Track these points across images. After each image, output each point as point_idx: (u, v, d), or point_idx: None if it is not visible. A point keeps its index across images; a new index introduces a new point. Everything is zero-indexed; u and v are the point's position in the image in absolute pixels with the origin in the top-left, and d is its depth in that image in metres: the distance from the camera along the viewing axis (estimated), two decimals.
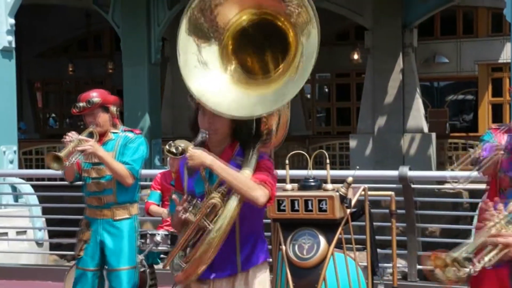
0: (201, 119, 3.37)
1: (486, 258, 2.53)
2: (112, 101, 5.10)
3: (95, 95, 5.01)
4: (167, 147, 6.43)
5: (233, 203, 3.14)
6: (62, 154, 4.73)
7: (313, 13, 2.80)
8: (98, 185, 5.02)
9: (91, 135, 4.97)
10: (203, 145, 3.31)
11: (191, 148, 3.29)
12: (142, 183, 11.51)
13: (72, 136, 4.85)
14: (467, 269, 2.48)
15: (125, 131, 5.12)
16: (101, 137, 5.03)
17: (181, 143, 6.55)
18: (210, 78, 3.03)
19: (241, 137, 3.25)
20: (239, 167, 3.20)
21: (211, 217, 3.13)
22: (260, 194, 3.14)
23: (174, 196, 3.33)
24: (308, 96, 23.86)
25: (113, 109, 5.08)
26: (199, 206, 3.16)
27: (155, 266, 6.55)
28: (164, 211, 6.42)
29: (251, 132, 3.23)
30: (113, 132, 5.07)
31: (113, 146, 5.01)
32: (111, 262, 5.02)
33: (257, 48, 3.09)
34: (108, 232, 5.01)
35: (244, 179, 3.14)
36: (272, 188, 3.20)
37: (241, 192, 3.13)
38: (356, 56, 19.87)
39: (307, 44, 2.78)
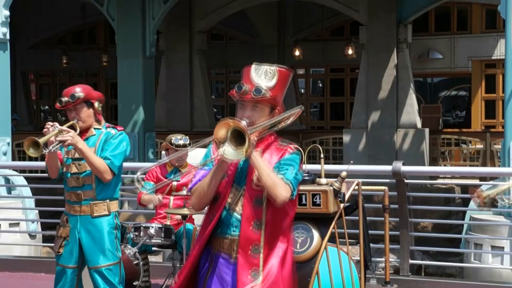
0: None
1: None
2: (96, 96, 5.04)
3: (79, 90, 4.94)
4: (174, 142, 6.51)
5: None
6: (40, 140, 4.65)
7: None
8: (78, 180, 4.94)
9: (72, 128, 4.90)
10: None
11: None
12: (136, 175, 11.56)
13: (52, 126, 4.79)
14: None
15: (107, 127, 5.03)
16: (84, 133, 4.95)
17: (179, 135, 6.62)
18: None
19: None
20: None
21: None
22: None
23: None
24: (302, 90, 23.89)
25: (97, 105, 5.03)
26: None
27: (148, 259, 6.57)
28: (156, 197, 6.44)
29: None
30: (96, 128, 5.00)
31: (95, 142, 4.94)
32: (92, 259, 4.92)
33: None
34: (86, 229, 4.91)
35: None
36: None
37: None
38: (350, 51, 19.89)
39: None
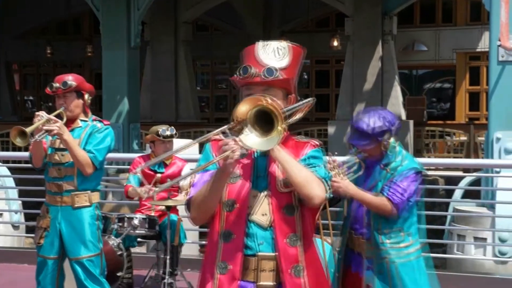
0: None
1: None
2: (87, 88, 5.03)
3: (71, 79, 4.93)
4: (161, 133, 6.45)
5: None
6: (28, 129, 4.61)
7: None
8: (59, 171, 4.91)
9: (59, 117, 4.87)
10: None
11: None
12: (120, 166, 11.57)
13: (42, 115, 4.75)
14: None
15: (94, 120, 5.02)
16: (70, 123, 4.92)
17: (165, 126, 6.60)
18: None
19: None
20: None
21: None
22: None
23: None
24: None
25: (87, 96, 5.01)
26: None
27: (132, 250, 6.56)
28: (142, 190, 6.42)
29: None
30: (82, 120, 4.98)
31: (80, 134, 4.92)
32: (73, 250, 4.90)
33: None
34: (67, 220, 4.89)
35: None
36: None
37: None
38: (336, 43, 19.90)
39: None
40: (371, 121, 4.12)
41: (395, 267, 4.06)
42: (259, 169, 2.90)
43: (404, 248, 4.09)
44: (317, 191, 2.81)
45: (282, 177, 2.86)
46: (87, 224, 4.92)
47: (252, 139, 2.68)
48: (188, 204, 2.91)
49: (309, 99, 3.10)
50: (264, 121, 2.70)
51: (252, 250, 2.85)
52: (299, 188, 2.80)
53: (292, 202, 2.86)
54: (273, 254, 2.84)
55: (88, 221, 4.93)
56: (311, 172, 2.84)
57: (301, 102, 3.03)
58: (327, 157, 3.77)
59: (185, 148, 3.05)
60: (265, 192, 2.87)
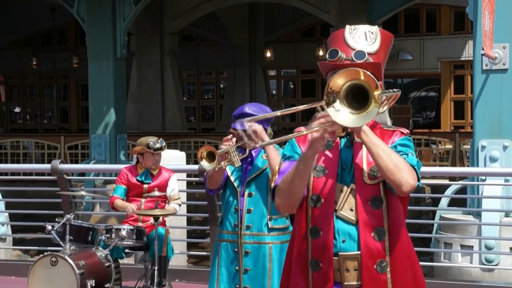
0: None
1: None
2: None
3: None
4: (152, 145, 6.43)
5: None
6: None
7: None
8: None
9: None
10: None
11: None
12: (107, 177, 11.53)
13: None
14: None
15: None
16: None
17: (154, 138, 6.60)
18: None
19: None
20: None
21: None
22: None
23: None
24: (274, 92, 23.94)
25: None
26: None
27: (120, 261, 6.55)
28: (128, 206, 6.40)
29: None
30: None
31: None
32: None
33: None
34: None
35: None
36: None
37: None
38: (321, 53, 19.99)
39: None
40: (255, 108, 4.33)
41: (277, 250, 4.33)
42: (344, 161, 2.78)
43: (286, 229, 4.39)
44: (407, 178, 2.64)
45: (367, 169, 2.75)
46: None
47: (342, 115, 2.55)
48: (274, 192, 2.81)
49: (395, 89, 3.03)
50: (357, 97, 2.56)
51: (335, 248, 2.73)
52: (388, 174, 2.65)
53: (379, 194, 2.73)
54: (357, 252, 2.71)
55: None
56: (402, 158, 2.68)
57: (390, 90, 2.96)
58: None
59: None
60: (351, 186, 2.75)
